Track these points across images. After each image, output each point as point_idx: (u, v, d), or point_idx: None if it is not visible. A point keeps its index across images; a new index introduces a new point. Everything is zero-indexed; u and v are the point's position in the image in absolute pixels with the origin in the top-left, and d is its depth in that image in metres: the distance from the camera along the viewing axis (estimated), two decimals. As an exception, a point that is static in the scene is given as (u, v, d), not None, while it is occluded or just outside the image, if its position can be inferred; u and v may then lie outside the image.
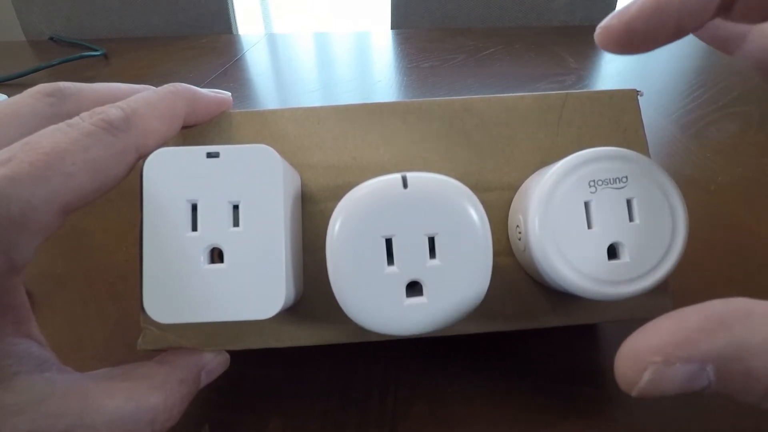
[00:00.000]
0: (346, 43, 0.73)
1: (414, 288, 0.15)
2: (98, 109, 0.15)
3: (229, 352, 0.18)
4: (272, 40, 0.76)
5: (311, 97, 0.53)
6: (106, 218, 0.31)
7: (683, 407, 0.19)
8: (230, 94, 0.20)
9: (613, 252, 0.16)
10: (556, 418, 0.19)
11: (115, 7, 0.83)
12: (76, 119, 0.14)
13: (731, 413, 0.19)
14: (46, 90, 0.16)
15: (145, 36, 0.82)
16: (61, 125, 0.14)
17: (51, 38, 0.78)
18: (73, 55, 0.62)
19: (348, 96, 0.53)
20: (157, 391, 0.15)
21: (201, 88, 0.18)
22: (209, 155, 0.15)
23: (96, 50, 0.67)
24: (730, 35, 0.18)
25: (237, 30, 0.87)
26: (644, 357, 0.11)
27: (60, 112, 0.16)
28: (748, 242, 0.27)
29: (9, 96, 0.44)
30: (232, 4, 0.86)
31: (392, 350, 0.22)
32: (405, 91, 0.53)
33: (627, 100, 0.19)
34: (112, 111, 0.15)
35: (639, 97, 0.20)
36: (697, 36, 0.19)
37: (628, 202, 0.16)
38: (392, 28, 0.85)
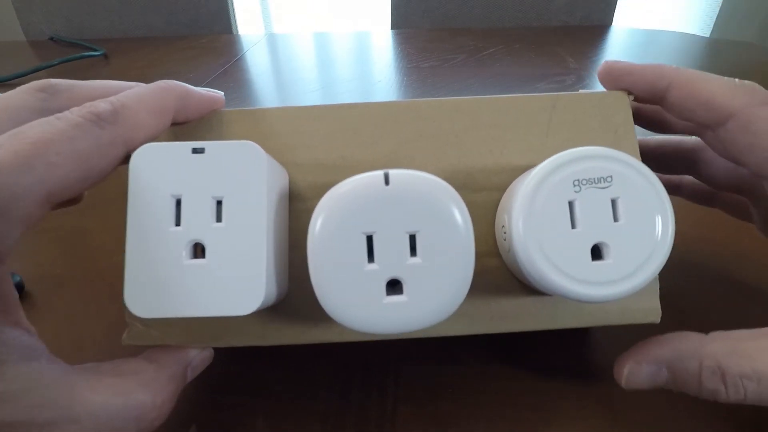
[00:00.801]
0: (346, 43, 0.73)
1: (395, 287, 0.15)
2: (88, 103, 0.15)
3: (225, 350, 0.18)
4: (272, 40, 0.76)
5: (311, 97, 0.53)
6: (106, 218, 0.31)
7: (682, 408, 0.19)
8: (223, 93, 0.20)
9: (597, 253, 0.16)
10: (554, 417, 0.19)
11: (115, 7, 0.83)
12: (65, 112, 0.14)
13: (728, 414, 0.19)
14: (37, 86, 0.17)
15: (145, 36, 0.82)
16: (50, 118, 0.14)
17: (51, 38, 0.78)
18: (73, 55, 0.63)
19: (348, 96, 0.53)
20: (146, 388, 0.15)
21: (199, 88, 0.19)
22: (194, 151, 0.15)
23: (96, 50, 0.67)
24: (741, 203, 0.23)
25: (237, 30, 0.87)
26: (624, 361, 0.17)
27: (51, 107, 0.16)
28: (748, 242, 0.27)
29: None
30: (232, 4, 0.86)
31: (392, 350, 0.22)
32: (405, 91, 0.53)
33: (618, 101, 0.19)
34: (101, 104, 0.15)
35: (630, 98, 0.19)
36: (724, 210, 0.24)
37: (613, 202, 0.15)
38: (392, 28, 0.85)
